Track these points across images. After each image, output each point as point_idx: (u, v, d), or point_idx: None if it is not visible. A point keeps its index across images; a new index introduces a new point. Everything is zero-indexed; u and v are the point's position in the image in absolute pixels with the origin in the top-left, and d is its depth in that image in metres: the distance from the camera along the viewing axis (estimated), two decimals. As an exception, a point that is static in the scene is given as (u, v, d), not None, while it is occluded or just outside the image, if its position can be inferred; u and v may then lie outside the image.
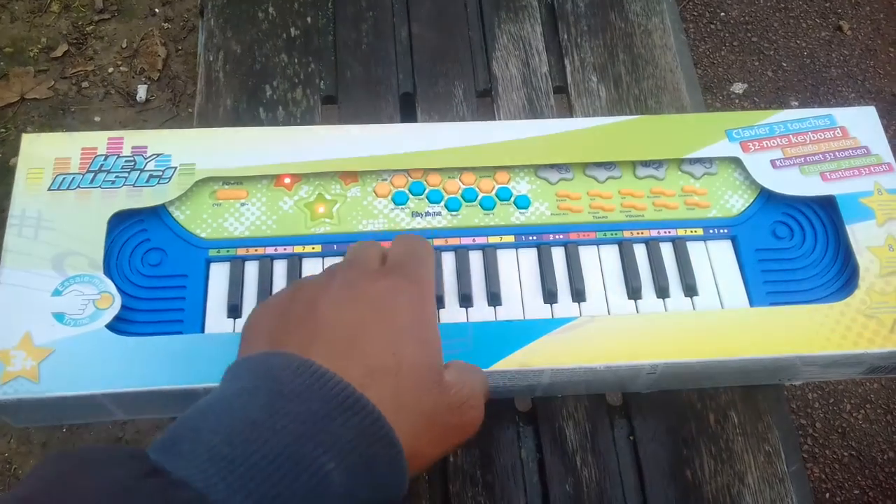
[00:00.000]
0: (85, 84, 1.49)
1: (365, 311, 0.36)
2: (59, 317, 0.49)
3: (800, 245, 0.56)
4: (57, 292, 0.49)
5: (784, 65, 1.49)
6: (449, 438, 0.37)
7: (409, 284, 0.39)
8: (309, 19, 0.74)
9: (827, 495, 1.11)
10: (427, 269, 0.41)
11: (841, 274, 0.55)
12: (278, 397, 0.31)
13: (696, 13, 1.57)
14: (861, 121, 0.60)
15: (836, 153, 0.58)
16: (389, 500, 0.33)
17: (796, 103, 1.45)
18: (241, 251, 0.54)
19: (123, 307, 0.50)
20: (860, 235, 0.55)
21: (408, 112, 0.70)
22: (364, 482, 0.31)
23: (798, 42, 1.53)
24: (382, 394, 0.33)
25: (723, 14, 1.57)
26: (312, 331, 0.35)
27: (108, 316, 0.49)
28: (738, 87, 1.46)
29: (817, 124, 0.59)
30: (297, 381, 0.32)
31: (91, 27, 1.55)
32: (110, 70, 1.50)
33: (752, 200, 0.57)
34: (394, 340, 0.36)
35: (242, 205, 0.55)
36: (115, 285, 0.50)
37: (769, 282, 0.54)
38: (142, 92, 1.48)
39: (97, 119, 1.45)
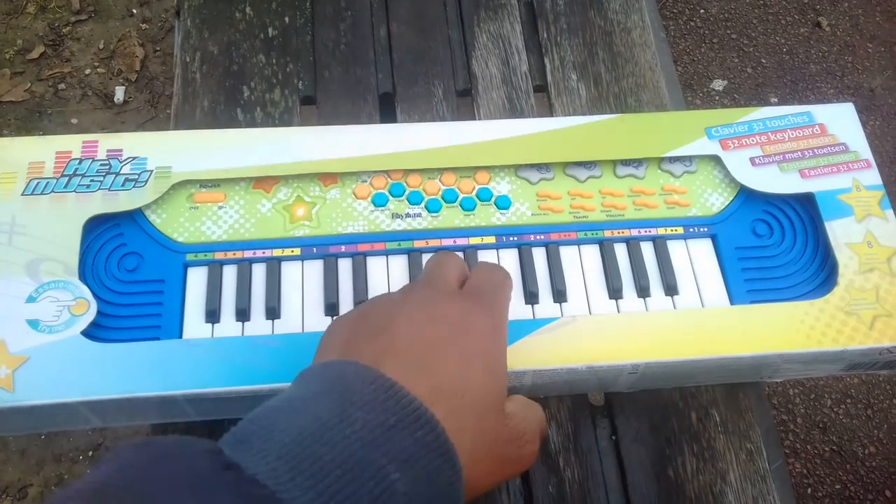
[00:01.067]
0: (62, 86, 1.47)
1: (439, 331, 0.37)
2: (34, 324, 0.48)
3: (779, 242, 0.56)
4: (31, 299, 0.49)
5: (763, 61, 1.50)
6: (503, 470, 0.37)
7: (484, 312, 0.39)
8: (287, 19, 0.73)
9: (809, 490, 1.11)
10: (503, 300, 0.42)
11: (820, 271, 0.55)
12: (349, 404, 0.32)
13: (675, 10, 1.58)
14: (839, 117, 0.60)
15: (815, 150, 0.58)
16: None
17: (776, 99, 1.46)
18: (219, 255, 0.53)
19: (99, 313, 0.49)
20: (839, 232, 0.55)
21: (387, 112, 0.70)
22: (425, 496, 0.31)
23: (777, 38, 1.53)
24: (446, 414, 0.33)
25: (702, 11, 1.58)
26: (386, 344, 0.36)
27: (84, 322, 0.48)
28: (718, 84, 1.46)
29: (796, 121, 0.59)
30: (368, 390, 0.32)
31: (68, 28, 1.53)
32: (87, 72, 1.48)
33: (731, 198, 0.57)
34: (464, 364, 0.36)
35: (220, 208, 0.54)
36: (91, 291, 0.49)
37: (749, 280, 0.54)
38: (119, 93, 1.46)
39: (74, 121, 1.43)
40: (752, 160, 0.57)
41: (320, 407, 0.32)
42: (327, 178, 0.56)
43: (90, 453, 1.10)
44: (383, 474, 0.30)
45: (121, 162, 0.54)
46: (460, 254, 0.54)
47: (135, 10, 1.56)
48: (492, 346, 0.38)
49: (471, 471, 0.34)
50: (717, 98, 1.45)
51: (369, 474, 0.30)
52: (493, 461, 0.37)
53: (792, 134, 0.59)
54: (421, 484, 0.31)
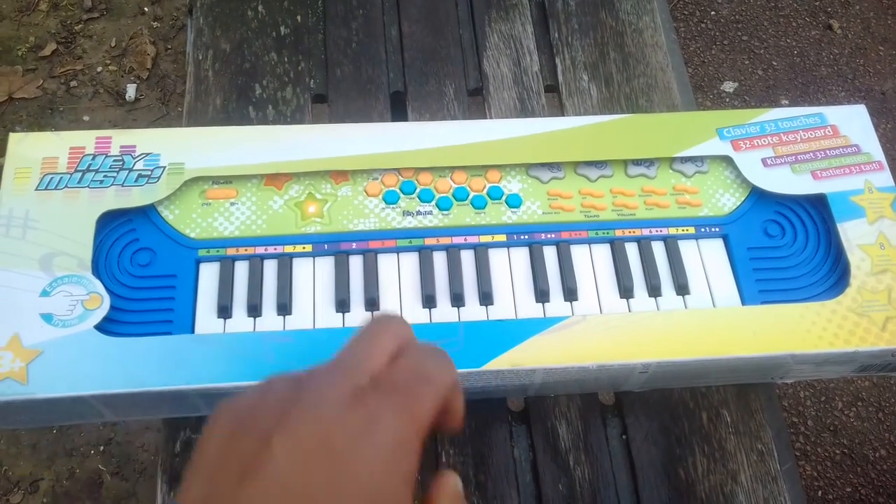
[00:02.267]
0: (73, 83, 1.48)
1: (321, 465, 0.29)
2: (48, 317, 0.48)
3: (791, 243, 0.56)
4: (45, 293, 0.49)
5: (774, 63, 1.50)
6: None
7: (393, 417, 0.31)
8: (299, 18, 0.73)
9: (819, 493, 1.11)
10: (431, 395, 0.32)
11: (832, 272, 0.55)
12: None
13: (686, 12, 1.57)
14: (851, 119, 0.60)
15: (827, 151, 0.58)
16: None
17: (786, 102, 1.45)
18: (230, 251, 0.53)
19: (112, 308, 0.49)
20: (851, 233, 0.55)
21: (398, 111, 0.70)
22: None
23: (788, 41, 1.53)
24: None
25: (713, 13, 1.58)
26: (251, 487, 0.28)
27: (97, 317, 0.49)
28: (729, 86, 1.46)
29: (808, 123, 0.59)
30: None
31: (80, 26, 1.54)
32: (99, 69, 1.49)
33: (743, 199, 0.57)
34: None
35: (232, 204, 0.54)
36: (104, 285, 0.50)
37: (761, 280, 0.54)
38: (131, 91, 1.47)
39: (86, 118, 1.44)
40: (763, 161, 0.57)
41: None
42: (339, 175, 0.56)
43: (101, 448, 1.10)
44: None
45: (134, 158, 0.54)
46: (471, 251, 0.54)
47: (146, 8, 1.56)
48: (391, 471, 0.30)
49: None
50: (727, 100, 1.45)
51: None
52: None
53: (804, 135, 0.59)
54: None
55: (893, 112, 1.46)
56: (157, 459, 0.55)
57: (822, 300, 0.52)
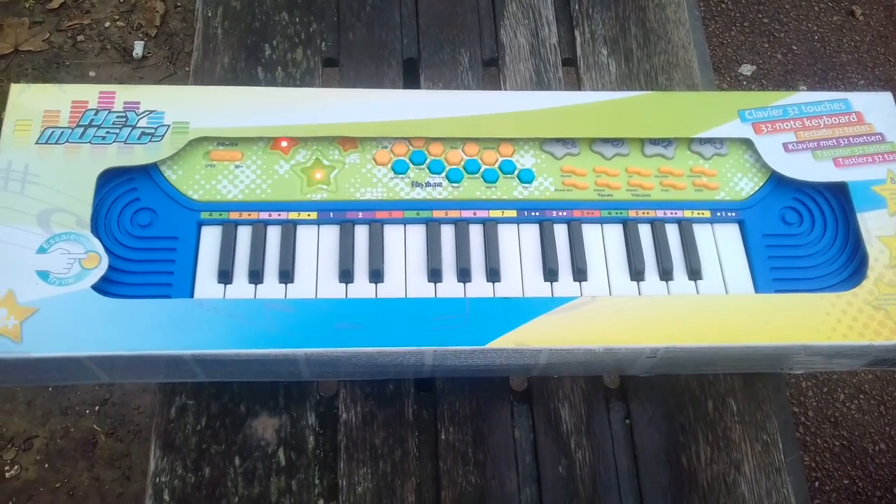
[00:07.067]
0: (81, 38, 1.45)
1: None
2: (44, 275, 0.47)
3: (809, 231, 0.54)
4: (42, 250, 0.48)
5: (794, 48, 1.47)
6: None
7: None
8: (312, -22, 0.71)
9: (816, 484, 1.10)
10: None
11: (849, 263, 0.53)
12: None
13: (706, -9, 1.54)
14: (877, 107, 0.58)
15: (850, 139, 0.56)
16: None
17: (804, 87, 1.43)
18: (233, 215, 0.52)
19: (110, 268, 0.48)
20: (871, 224, 0.53)
21: (411, 78, 0.68)
22: None
23: (809, 25, 1.50)
24: None
25: (734, -7, 1.55)
26: None
27: (95, 276, 0.47)
28: (747, 69, 1.44)
29: (832, 108, 0.58)
30: None
31: (89, -21, 1.51)
32: (107, 24, 1.47)
33: (762, 184, 0.56)
34: None
35: (237, 167, 0.53)
36: (103, 245, 0.48)
37: (776, 268, 0.53)
38: (138, 48, 1.44)
39: (92, 74, 1.42)
40: (785, 146, 0.56)
41: None
42: (347, 142, 0.55)
43: (97, 408, 1.10)
44: None
45: (138, 115, 0.52)
46: (479, 226, 0.53)
47: (157, -35, 1.53)
48: None
49: None
50: (744, 83, 1.43)
51: None
52: None
53: (828, 121, 0.57)
54: None
55: (912, 102, 1.44)
56: (153, 422, 0.54)
57: (837, 291, 0.51)
